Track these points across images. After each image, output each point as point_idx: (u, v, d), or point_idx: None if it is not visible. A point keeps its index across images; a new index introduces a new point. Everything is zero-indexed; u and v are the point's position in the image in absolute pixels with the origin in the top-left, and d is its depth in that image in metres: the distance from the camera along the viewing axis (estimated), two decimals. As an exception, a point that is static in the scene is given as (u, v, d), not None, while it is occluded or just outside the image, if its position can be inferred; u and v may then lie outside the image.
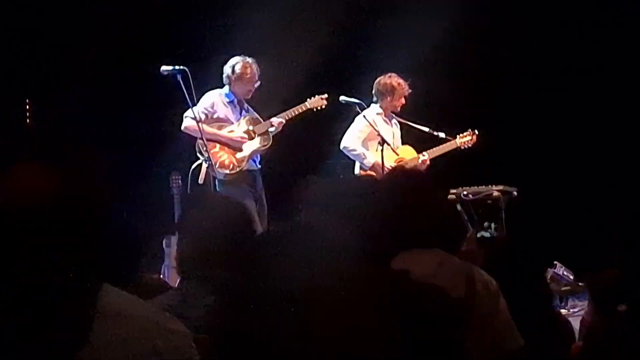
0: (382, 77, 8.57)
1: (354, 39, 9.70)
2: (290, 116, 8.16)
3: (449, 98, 9.28)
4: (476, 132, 8.60)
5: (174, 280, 8.21)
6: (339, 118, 8.57)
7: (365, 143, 8.49)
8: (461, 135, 8.62)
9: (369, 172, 8.42)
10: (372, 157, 8.40)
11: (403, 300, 2.19)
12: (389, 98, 8.51)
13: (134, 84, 9.25)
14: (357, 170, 8.53)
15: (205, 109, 8.01)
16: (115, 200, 2.01)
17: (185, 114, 7.83)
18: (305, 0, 9.20)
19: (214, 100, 8.08)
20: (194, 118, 7.70)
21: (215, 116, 8.06)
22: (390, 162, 8.30)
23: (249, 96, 8.11)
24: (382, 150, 8.20)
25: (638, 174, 8.64)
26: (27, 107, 8.63)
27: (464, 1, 9.25)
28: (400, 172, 3.77)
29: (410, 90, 8.51)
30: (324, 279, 1.80)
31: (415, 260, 3.10)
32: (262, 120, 8.11)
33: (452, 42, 9.25)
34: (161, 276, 8.77)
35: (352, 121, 8.48)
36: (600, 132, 9.31)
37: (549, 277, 7.51)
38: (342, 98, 8.20)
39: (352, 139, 8.46)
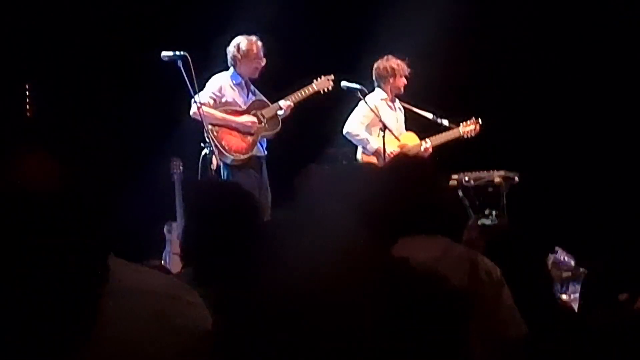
0: (379, 61, 8.54)
1: (355, 23, 9.67)
2: (297, 98, 8.09)
3: (453, 84, 9.26)
4: (480, 121, 8.56)
5: (176, 267, 8.23)
6: (341, 103, 8.53)
7: (368, 128, 8.47)
8: (465, 123, 8.58)
9: (371, 157, 8.40)
10: (375, 142, 8.37)
11: (406, 287, 2.18)
12: (390, 80, 8.49)
13: (134, 70, 9.24)
14: (359, 156, 8.51)
15: (213, 93, 7.93)
16: (117, 187, 2.00)
17: (192, 100, 7.69)
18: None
19: (222, 83, 7.98)
20: (202, 103, 7.67)
21: (223, 100, 7.97)
22: (392, 148, 8.28)
23: (256, 75, 8.01)
24: (383, 137, 8.18)
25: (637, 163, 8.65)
26: (27, 92, 8.61)
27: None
28: (403, 159, 3.76)
29: (409, 70, 8.48)
30: (326, 266, 1.80)
31: (419, 246, 3.11)
32: (269, 103, 8.04)
33: (457, 30, 9.23)
34: (162, 262, 8.78)
35: (355, 106, 8.44)
36: (602, 120, 9.30)
37: (550, 262, 7.51)
38: (344, 83, 8.17)
39: (356, 124, 8.43)
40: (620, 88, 9.26)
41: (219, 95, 7.95)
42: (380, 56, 8.56)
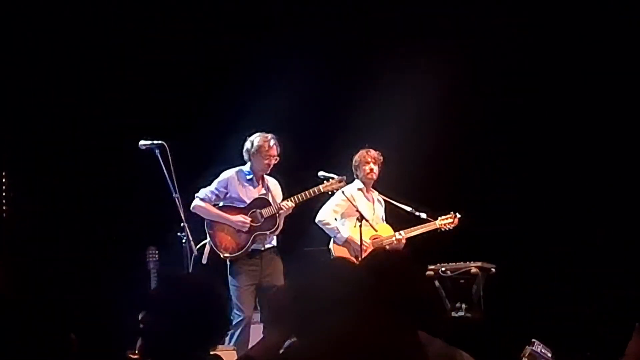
0: (358, 152, 8.61)
1: (340, 116, 9.77)
2: (301, 199, 8.08)
3: (434, 178, 9.36)
4: (458, 215, 8.60)
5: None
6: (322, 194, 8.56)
7: (343, 218, 8.49)
8: (442, 217, 8.61)
9: (342, 247, 8.42)
10: (345, 232, 8.41)
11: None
12: (361, 169, 8.55)
13: (111, 158, 9.27)
14: (331, 245, 8.52)
15: (217, 189, 8.06)
16: (93, 275, 1.99)
17: (196, 194, 7.97)
18: (294, 78, 9.31)
19: (229, 179, 8.08)
20: (202, 199, 7.95)
21: (228, 196, 8.08)
22: (366, 239, 8.31)
23: (268, 171, 8.06)
24: (360, 227, 8.19)
25: (613, 254, 8.70)
26: (3, 181, 8.61)
27: (443, 79, 9.39)
28: (378, 254, 3.74)
29: (381, 159, 8.52)
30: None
31: None
32: (271, 202, 8.04)
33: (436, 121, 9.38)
34: (136, 352, 8.67)
35: (332, 195, 8.47)
36: (575, 212, 9.38)
37: (527, 354, 7.47)
38: (321, 173, 8.20)
39: (327, 213, 8.47)
40: (584, 182, 9.37)
41: (223, 192, 8.07)
42: (360, 148, 8.63)
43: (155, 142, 7.53)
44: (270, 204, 8.03)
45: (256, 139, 7.99)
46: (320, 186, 8.10)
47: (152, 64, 9.63)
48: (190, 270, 7.67)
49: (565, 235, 9.39)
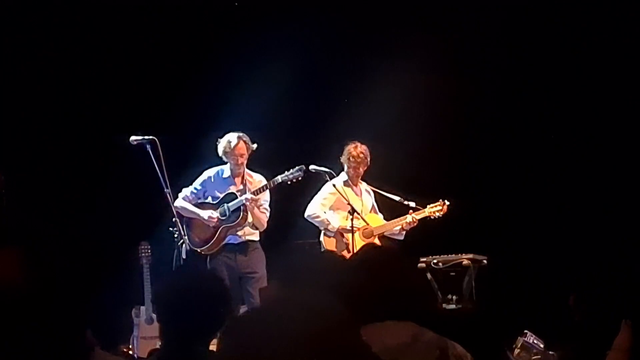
0: (346, 145, 8.61)
1: (327, 108, 9.79)
2: (260, 191, 8.10)
3: (422, 167, 9.37)
4: (447, 202, 8.60)
5: (144, 351, 8.15)
6: (309, 187, 8.58)
7: (332, 211, 8.50)
8: (431, 205, 8.62)
9: (331, 239, 8.44)
10: (336, 222, 8.42)
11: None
12: (347, 164, 8.56)
13: (103, 154, 9.26)
14: (321, 238, 8.54)
15: (195, 188, 8.21)
16: (85, 271, 1.99)
17: (179, 193, 8.12)
18: (276, 69, 9.31)
19: (205, 178, 8.22)
20: (183, 198, 8.14)
21: (206, 194, 8.20)
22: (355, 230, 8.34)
23: (241, 169, 8.12)
24: (352, 219, 8.22)
25: (605, 242, 8.71)
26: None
27: (432, 70, 9.41)
28: (369, 249, 3.77)
29: (366, 153, 8.52)
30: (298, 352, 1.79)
31: (388, 332, 3.10)
32: (238, 196, 8.08)
33: (424, 112, 9.39)
34: (130, 347, 8.70)
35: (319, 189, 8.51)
36: (567, 202, 9.40)
37: (519, 345, 7.50)
38: (312, 167, 8.22)
39: (316, 206, 8.48)
40: (582, 169, 9.38)
41: (201, 189, 8.21)
42: (350, 140, 8.63)
43: (146, 137, 7.54)
44: (237, 198, 8.07)
45: (222, 141, 8.10)
46: (279, 176, 8.10)
47: (143, 58, 9.62)
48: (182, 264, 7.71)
49: (556, 226, 9.42)
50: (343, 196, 8.30)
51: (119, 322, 8.73)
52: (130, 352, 8.38)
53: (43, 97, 9.30)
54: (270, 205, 8.23)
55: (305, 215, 8.48)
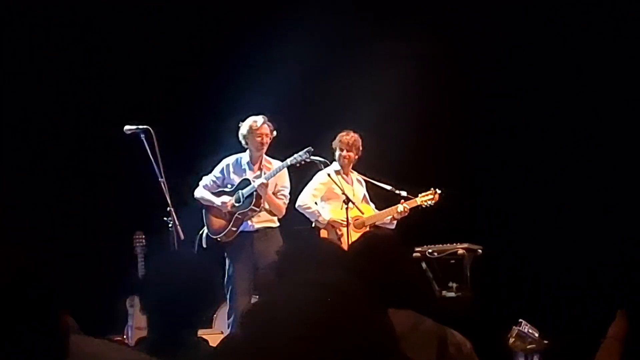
0: (338, 134, 8.61)
1: (321, 95, 9.78)
2: (271, 175, 8.10)
3: (414, 155, 9.37)
4: (438, 190, 8.59)
5: (138, 341, 8.11)
6: (301, 176, 8.56)
7: (324, 201, 8.49)
8: (423, 194, 8.60)
9: (323, 231, 8.42)
10: (327, 214, 8.41)
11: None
12: (337, 153, 8.55)
13: (97, 143, 9.25)
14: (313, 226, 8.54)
15: (215, 176, 8.27)
16: (80, 261, 1.98)
17: (199, 181, 8.24)
18: (277, 61, 9.32)
19: (224, 165, 8.26)
20: (204, 186, 8.24)
21: (225, 182, 8.24)
22: (344, 219, 8.32)
23: (263, 149, 8.13)
24: (347, 209, 8.21)
25: (599, 232, 8.73)
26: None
27: (424, 58, 9.41)
28: (370, 237, 3.77)
29: (358, 141, 8.50)
30: (297, 344, 1.77)
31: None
32: (252, 182, 8.07)
33: (416, 100, 9.38)
34: (125, 336, 8.71)
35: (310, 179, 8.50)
36: (563, 192, 9.40)
37: (514, 334, 7.50)
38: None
39: (307, 197, 8.46)
40: (580, 159, 9.38)
41: (221, 177, 8.26)
42: (341, 129, 8.63)
43: (140, 126, 7.53)
44: (250, 184, 8.06)
45: (246, 121, 8.11)
46: (288, 160, 8.09)
47: (136, 47, 9.60)
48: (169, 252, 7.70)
49: (551, 215, 9.42)
50: (337, 185, 8.28)
51: (114, 312, 8.74)
52: (126, 342, 8.39)
53: (38, 86, 9.28)
54: (290, 192, 8.25)
55: (296, 206, 8.46)
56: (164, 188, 7.55)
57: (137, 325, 8.55)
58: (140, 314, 8.49)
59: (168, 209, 7.64)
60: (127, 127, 7.60)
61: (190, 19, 9.74)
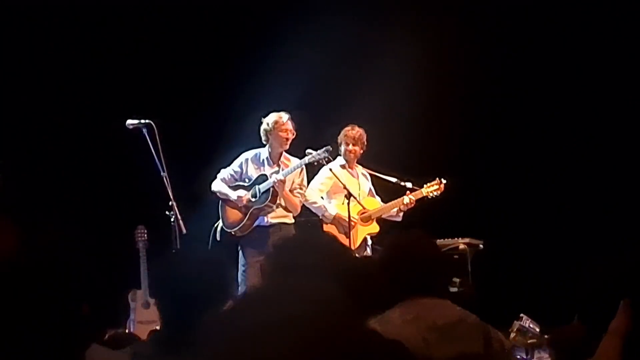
0: (343, 128, 8.62)
1: (326, 90, 9.79)
2: (289, 172, 8.12)
3: (416, 150, 9.38)
4: (443, 181, 8.56)
5: (141, 335, 8.13)
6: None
7: (330, 195, 8.50)
8: (428, 185, 8.58)
9: (330, 225, 8.41)
10: (333, 209, 8.41)
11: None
12: (343, 147, 8.56)
13: (100, 137, 9.25)
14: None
15: (233, 169, 8.28)
16: (81, 255, 1.99)
17: (217, 174, 8.27)
18: (282, 56, 9.33)
19: (243, 160, 8.27)
20: (222, 179, 8.24)
21: (242, 176, 8.25)
22: (353, 214, 8.31)
23: (287, 146, 8.16)
24: (348, 204, 8.20)
25: (602, 227, 8.72)
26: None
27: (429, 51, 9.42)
28: (402, 238, 3.95)
29: (363, 136, 8.50)
30: (296, 337, 1.77)
31: (436, 308, 3.47)
32: (269, 177, 8.11)
33: (422, 91, 9.40)
34: (126, 331, 8.71)
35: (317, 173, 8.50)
36: (564, 188, 9.40)
37: (515, 329, 7.52)
38: (309, 151, 8.21)
39: (313, 192, 8.46)
40: (583, 155, 9.38)
41: (239, 171, 8.28)
42: (346, 124, 8.63)
43: (142, 121, 7.54)
44: (267, 179, 8.08)
45: (271, 117, 8.13)
46: (306, 158, 8.12)
47: (139, 42, 9.60)
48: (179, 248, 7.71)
49: (554, 210, 9.42)
50: (339, 180, 8.28)
51: (115, 306, 8.74)
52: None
53: (40, 79, 9.28)
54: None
55: (303, 201, 8.46)
56: (166, 182, 7.57)
57: (139, 319, 8.56)
58: (142, 308, 8.53)
59: (170, 203, 7.65)
60: (129, 121, 7.61)
61: (194, 14, 9.75)
